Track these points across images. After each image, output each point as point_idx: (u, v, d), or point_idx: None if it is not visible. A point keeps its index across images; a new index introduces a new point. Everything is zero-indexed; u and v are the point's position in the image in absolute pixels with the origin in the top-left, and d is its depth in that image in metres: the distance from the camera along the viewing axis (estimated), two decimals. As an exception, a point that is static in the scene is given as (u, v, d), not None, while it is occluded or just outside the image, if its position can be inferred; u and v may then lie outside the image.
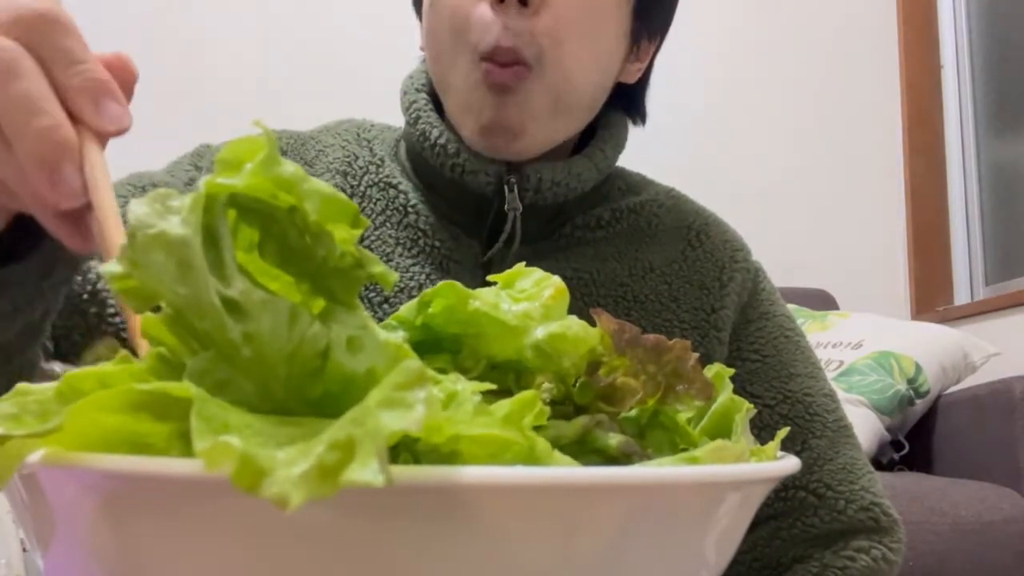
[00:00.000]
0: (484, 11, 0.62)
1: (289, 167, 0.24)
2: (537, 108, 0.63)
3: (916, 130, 2.73)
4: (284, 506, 0.18)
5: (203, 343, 0.23)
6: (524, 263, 0.36)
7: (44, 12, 0.35)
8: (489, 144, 0.65)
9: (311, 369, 0.23)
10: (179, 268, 0.22)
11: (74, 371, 0.24)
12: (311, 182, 0.25)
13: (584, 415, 0.30)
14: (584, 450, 0.29)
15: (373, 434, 0.19)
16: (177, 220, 0.22)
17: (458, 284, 0.32)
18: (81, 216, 0.35)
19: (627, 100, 0.75)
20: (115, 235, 0.31)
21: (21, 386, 0.24)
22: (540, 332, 0.31)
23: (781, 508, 0.68)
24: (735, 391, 0.35)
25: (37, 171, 0.33)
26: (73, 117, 0.34)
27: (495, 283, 0.35)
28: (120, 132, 0.35)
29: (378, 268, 0.26)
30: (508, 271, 0.35)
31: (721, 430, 0.34)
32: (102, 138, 0.35)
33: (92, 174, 0.33)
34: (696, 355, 0.32)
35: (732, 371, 0.36)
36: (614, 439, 0.29)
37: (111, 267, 0.23)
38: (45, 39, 0.34)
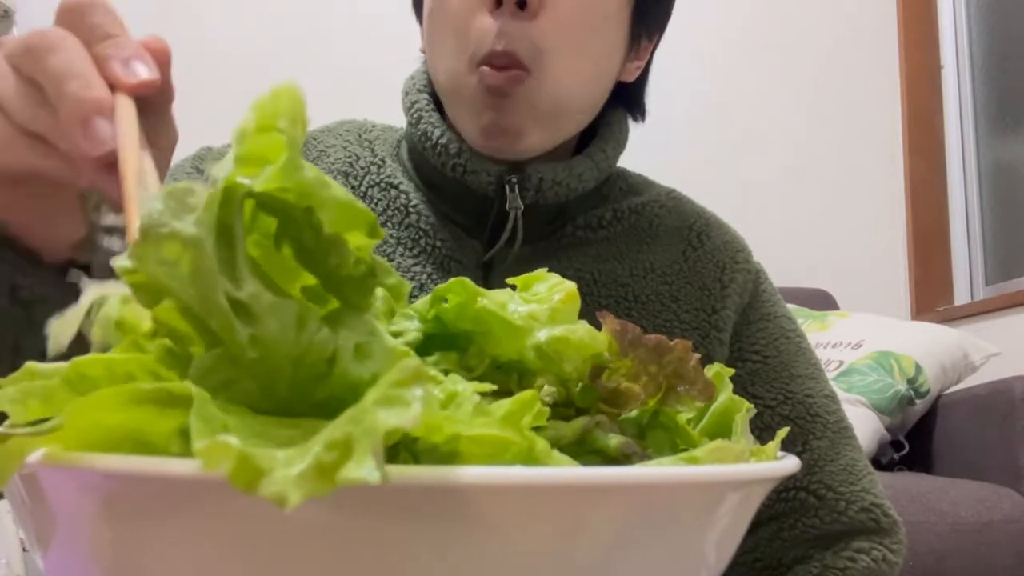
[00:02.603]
0: (483, 19, 0.62)
1: (310, 172, 0.24)
2: (536, 111, 0.64)
3: (916, 130, 2.73)
4: (283, 505, 0.18)
5: (211, 339, 0.23)
6: (525, 263, 0.36)
7: (84, 1, 0.41)
8: (491, 146, 0.65)
9: (316, 374, 0.23)
10: (189, 269, 0.22)
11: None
12: (330, 189, 0.24)
13: (584, 415, 0.29)
14: (583, 450, 0.29)
15: (369, 432, 0.19)
16: (191, 219, 0.22)
17: (468, 281, 0.32)
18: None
19: (627, 97, 0.75)
20: (130, 183, 0.35)
21: (29, 366, 0.24)
22: (543, 334, 0.31)
23: (782, 509, 0.68)
24: (736, 392, 0.35)
25: (73, 125, 0.37)
26: (110, 83, 0.39)
27: (511, 286, 0.34)
28: (148, 85, 0.40)
29: (392, 279, 0.25)
30: (526, 275, 0.35)
31: (721, 430, 0.34)
32: (135, 94, 0.39)
33: (120, 127, 0.38)
34: (697, 356, 0.32)
35: (732, 371, 0.36)
36: (614, 439, 0.29)
37: (121, 261, 0.23)
38: (84, 20, 0.40)
